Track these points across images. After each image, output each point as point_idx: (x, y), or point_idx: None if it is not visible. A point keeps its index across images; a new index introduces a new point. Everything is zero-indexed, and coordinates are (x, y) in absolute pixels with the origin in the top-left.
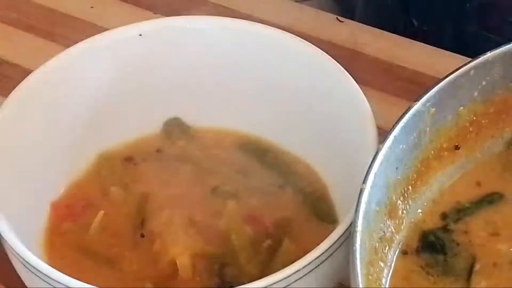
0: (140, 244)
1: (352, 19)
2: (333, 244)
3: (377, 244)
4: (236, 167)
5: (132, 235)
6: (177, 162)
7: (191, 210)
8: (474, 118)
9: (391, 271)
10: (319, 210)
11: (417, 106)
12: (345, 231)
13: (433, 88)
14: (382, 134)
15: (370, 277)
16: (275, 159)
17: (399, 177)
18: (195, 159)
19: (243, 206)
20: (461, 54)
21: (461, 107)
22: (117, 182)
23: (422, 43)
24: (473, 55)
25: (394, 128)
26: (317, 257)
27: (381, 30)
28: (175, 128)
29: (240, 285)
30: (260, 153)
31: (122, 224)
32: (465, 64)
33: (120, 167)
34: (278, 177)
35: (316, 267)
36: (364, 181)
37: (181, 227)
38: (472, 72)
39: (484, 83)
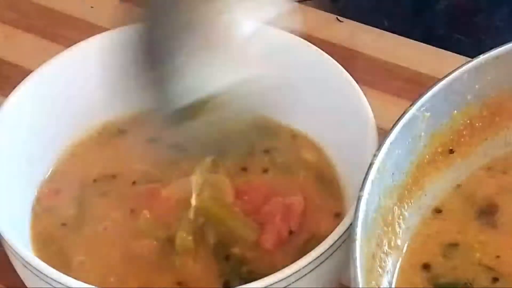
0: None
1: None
2: (333, 244)
3: (375, 250)
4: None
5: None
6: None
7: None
8: (468, 121)
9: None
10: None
11: (412, 111)
12: (344, 232)
13: (427, 92)
14: (382, 134)
15: (369, 284)
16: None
17: (395, 183)
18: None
19: (251, 183)
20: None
21: (455, 111)
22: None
23: (422, 43)
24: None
25: (390, 134)
26: (317, 257)
27: (381, 30)
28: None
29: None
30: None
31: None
32: (458, 68)
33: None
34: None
35: (316, 267)
36: (362, 189)
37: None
38: (465, 76)
39: (477, 86)
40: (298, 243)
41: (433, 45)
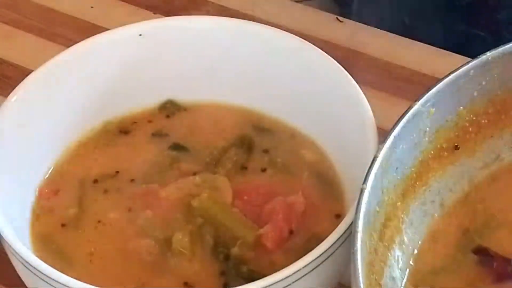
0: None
1: (349, 19)
2: (333, 244)
3: (377, 245)
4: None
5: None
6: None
7: (191, 189)
8: (474, 118)
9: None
10: (327, 188)
11: (417, 106)
12: (345, 231)
13: (433, 88)
14: (382, 134)
15: (370, 277)
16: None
17: (399, 178)
18: (197, 141)
19: (250, 183)
20: (452, 52)
21: (461, 107)
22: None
23: (422, 43)
24: (464, 53)
25: (394, 128)
26: (317, 257)
27: (381, 30)
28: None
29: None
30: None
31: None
32: (465, 64)
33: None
34: (281, 152)
35: (316, 267)
36: (364, 182)
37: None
38: (471, 72)
39: (483, 83)
40: (298, 243)
41: (433, 45)
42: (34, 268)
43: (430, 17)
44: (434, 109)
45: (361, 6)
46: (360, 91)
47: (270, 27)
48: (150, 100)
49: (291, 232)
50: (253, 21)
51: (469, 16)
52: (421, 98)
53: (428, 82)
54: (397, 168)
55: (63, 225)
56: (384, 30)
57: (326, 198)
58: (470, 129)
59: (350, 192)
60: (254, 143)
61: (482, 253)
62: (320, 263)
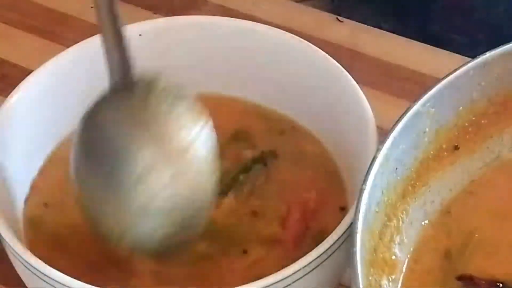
0: None
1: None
2: (333, 244)
3: (377, 245)
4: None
5: None
6: None
7: None
8: (474, 118)
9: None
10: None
11: (417, 106)
12: (345, 231)
13: (432, 88)
14: (382, 134)
15: (370, 277)
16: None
17: (398, 178)
18: None
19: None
20: None
21: (461, 108)
22: None
23: (422, 43)
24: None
25: (394, 129)
26: (317, 257)
27: (381, 30)
28: None
29: None
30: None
31: None
32: (465, 65)
33: None
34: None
35: (316, 267)
36: (364, 182)
37: None
38: (471, 72)
39: (483, 83)
40: (307, 239)
41: (433, 45)
42: (34, 268)
43: (405, 19)
44: (433, 109)
45: (341, 9)
46: (360, 91)
47: (270, 27)
48: None
49: (307, 228)
50: (253, 21)
51: (443, 19)
52: (420, 99)
53: (428, 82)
54: (396, 169)
55: (63, 224)
56: None
57: (329, 195)
58: (470, 129)
59: (351, 192)
60: (255, 143)
61: (466, 280)
62: (320, 263)
